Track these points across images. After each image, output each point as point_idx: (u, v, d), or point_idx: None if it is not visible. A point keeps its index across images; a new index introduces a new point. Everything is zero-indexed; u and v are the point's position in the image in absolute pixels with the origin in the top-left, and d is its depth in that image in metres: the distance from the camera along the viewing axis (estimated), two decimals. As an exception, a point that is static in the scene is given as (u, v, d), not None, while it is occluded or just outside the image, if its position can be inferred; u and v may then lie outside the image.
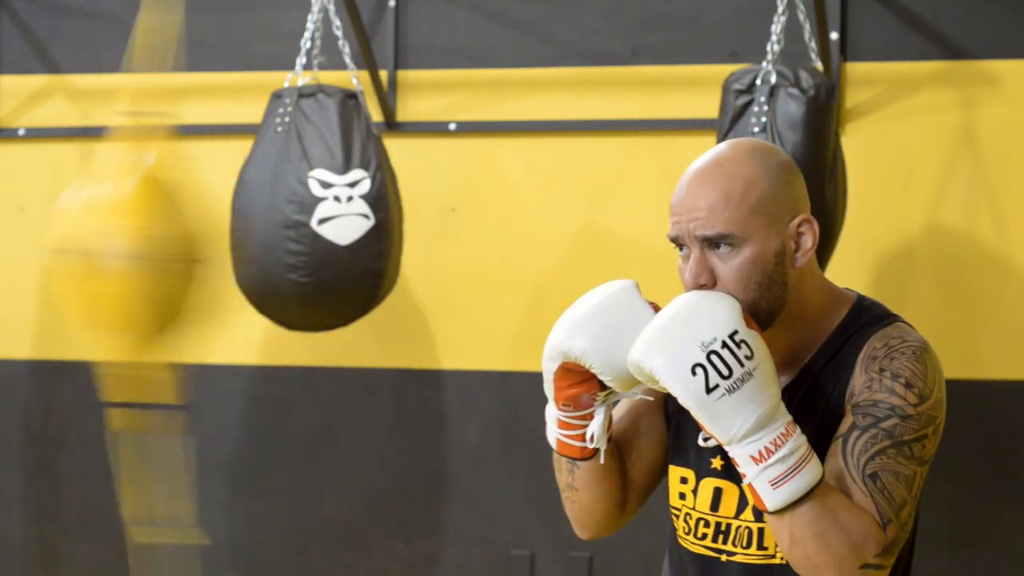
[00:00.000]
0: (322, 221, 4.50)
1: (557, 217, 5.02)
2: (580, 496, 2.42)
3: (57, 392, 5.41)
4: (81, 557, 5.38)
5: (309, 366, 5.19)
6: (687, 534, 2.35)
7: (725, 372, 2.09)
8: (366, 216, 4.58)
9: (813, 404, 2.25)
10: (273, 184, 4.62)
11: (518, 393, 5.05)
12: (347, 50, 4.81)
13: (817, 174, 4.36)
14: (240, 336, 5.21)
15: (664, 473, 2.42)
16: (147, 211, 2.11)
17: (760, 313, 2.22)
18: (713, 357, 2.09)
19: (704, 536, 2.33)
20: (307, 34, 4.82)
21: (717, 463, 2.32)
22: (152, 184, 2.14)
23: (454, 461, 5.12)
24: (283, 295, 4.52)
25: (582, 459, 2.34)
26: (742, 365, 2.10)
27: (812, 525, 2.11)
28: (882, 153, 4.82)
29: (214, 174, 5.17)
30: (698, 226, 2.22)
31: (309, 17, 4.82)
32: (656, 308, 2.27)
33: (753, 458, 2.10)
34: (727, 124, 4.43)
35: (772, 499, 2.11)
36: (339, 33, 4.82)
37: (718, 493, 2.32)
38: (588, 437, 2.29)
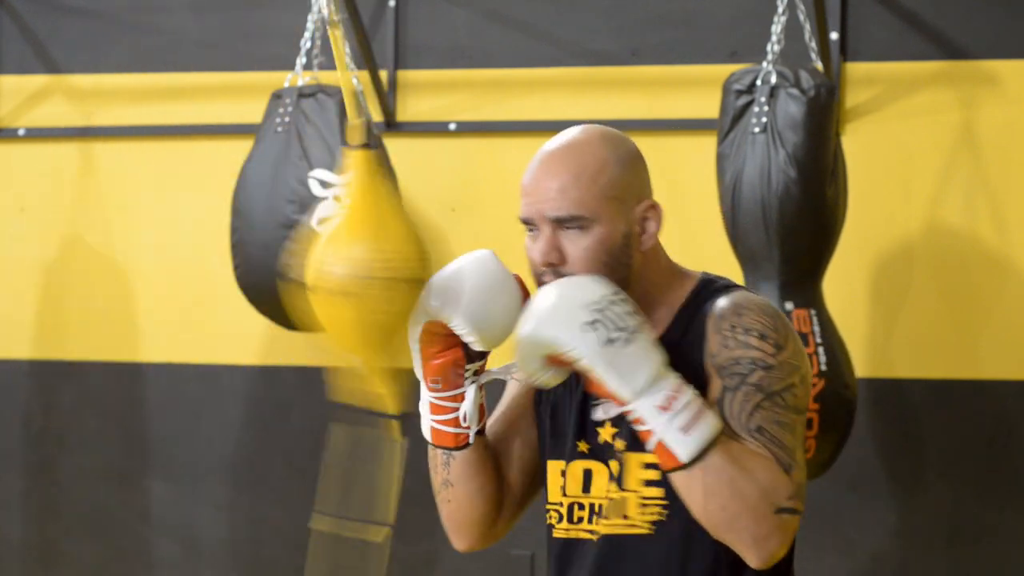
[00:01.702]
0: (322, 221, 4.50)
1: (557, 217, 5.02)
2: (456, 492, 2.45)
3: (57, 392, 5.41)
4: (81, 557, 5.38)
5: (309, 366, 5.19)
6: (560, 522, 2.36)
7: (621, 324, 2.15)
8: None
9: (685, 372, 2.27)
10: (273, 184, 4.62)
11: (518, 393, 5.05)
12: (347, 50, 4.81)
13: (817, 174, 4.36)
14: (240, 336, 5.21)
15: (540, 480, 2.43)
16: (394, 234, 2.17)
17: None
18: (605, 312, 2.15)
19: (580, 520, 2.34)
20: (307, 34, 4.82)
21: (583, 446, 2.34)
22: (396, 206, 2.20)
23: (454, 461, 5.11)
24: (283, 295, 4.51)
25: (456, 448, 2.39)
26: (631, 319, 2.16)
27: (723, 472, 2.14)
28: (882, 153, 4.82)
29: (214, 174, 5.18)
30: (550, 207, 2.29)
31: (309, 17, 4.82)
32: (517, 277, 2.36)
33: (661, 408, 2.13)
34: (727, 124, 4.44)
35: (685, 447, 2.13)
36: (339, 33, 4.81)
37: (588, 475, 2.33)
38: (461, 417, 2.34)
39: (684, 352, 2.27)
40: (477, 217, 5.09)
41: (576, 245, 2.28)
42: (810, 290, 4.40)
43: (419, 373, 2.36)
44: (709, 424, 2.15)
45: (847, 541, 4.79)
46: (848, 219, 4.50)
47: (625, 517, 2.29)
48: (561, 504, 2.36)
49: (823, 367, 4.32)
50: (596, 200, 2.28)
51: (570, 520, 2.34)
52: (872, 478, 4.78)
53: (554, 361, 2.19)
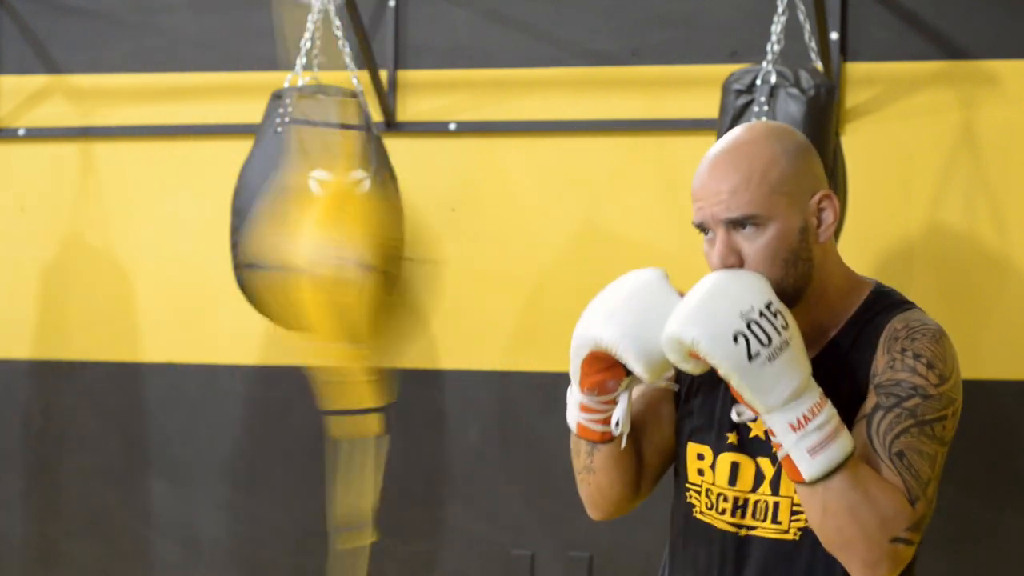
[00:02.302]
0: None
1: (557, 217, 5.02)
2: (596, 479, 2.43)
3: (57, 392, 5.41)
4: (81, 557, 5.38)
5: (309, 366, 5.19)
6: (709, 509, 2.37)
7: (765, 340, 2.13)
8: (366, 216, 4.58)
9: (837, 382, 2.28)
10: (273, 184, 4.62)
11: (518, 393, 5.05)
12: (347, 50, 4.81)
13: (817, 174, 4.36)
14: (240, 336, 5.21)
15: (672, 457, 2.45)
16: (366, 221, 2.14)
17: (787, 290, 2.27)
18: (753, 326, 2.13)
19: (724, 511, 2.35)
20: (307, 34, 4.82)
21: (733, 438, 2.35)
22: (362, 194, 2.17)
23: (454, 461, 5.12)
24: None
25: (602, 442, 2.37)
26: (780, 334, 2.14)
27: (844, 497, 2.14)
28: (882, 153, 4.82)
29: (214, 174, 5.18)
30: (722, 209, 2.26)
31: (309, 17, 4.82)
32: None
33: (791, 426, 2.13)
34: (727, 124, 4.44)
35: (809, 468, 2.14)
36: (339, 33, 4.82)
37: (735, 468, 2.34)
38: (614, 423, 2.33)
39: (851, 363, 2.28)
40: (477, 217, 5.09)
41: (753, 245, 2.26)
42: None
43: (574, 377, 2.35)
44: (840, 448, 2.14)
45: (847, 541, 4.79)
46: (848, 219, 4.50)
47: (777, 522, 2.31)
48: (706, 490, 2.37)
49: (823, 367, 4.32)
50: (768, 197, 2.26)
51: (717, 510, 2.36)
52: (872, 478, 4.78)
53: (696, 356, 2.18)
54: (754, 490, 2.33)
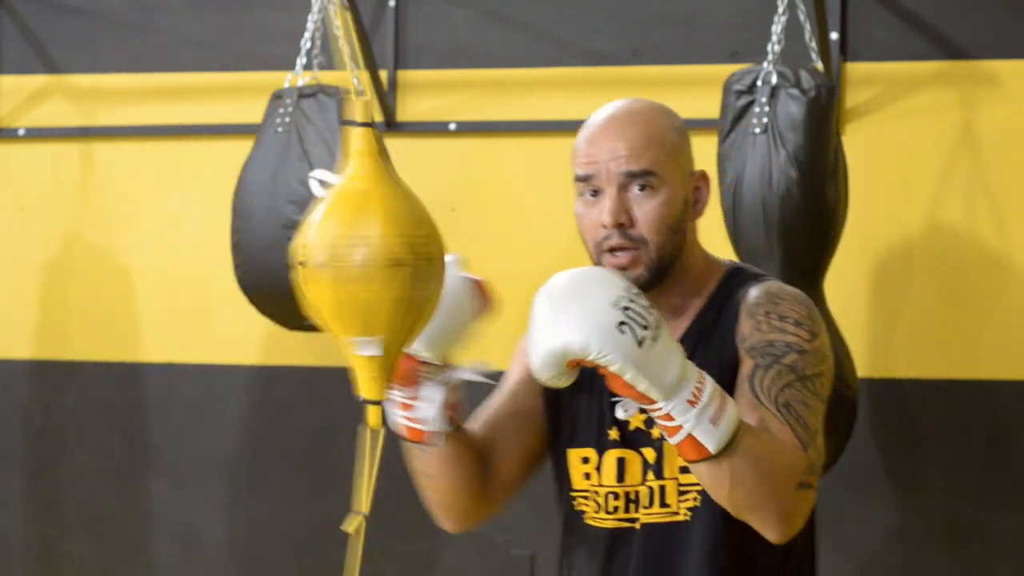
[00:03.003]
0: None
1: (557, 217, 5.02)
2: (435, 484, 2.41)
3: (57, 392, 5.41)
4: (81, 557, 5.38)
5: (309, 366, 5.19)
6: (597, 512, 2.35)
7: (644, 323, 2.07)
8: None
9: (704, 357, 2.27)
10: (273, 184, 4.62)
11: (518, 393, 5.04)
12: (347, 50, 4.81)
13: (818, 175, 4.36)
14: (240, 336, 5.21)
15: (537, 465, 2.43)
16: (350, 215, 2.12)
17: (665, 258, 2.28)
18: (629, 312, 2.07)
19: (616, 509, 2.33)
20: (307, 34, 4.82)
21: (615, 434, 2.33)
22: (359, 189, 2.15)
23: (454, 461, 5.11)
24: (283, 295, 4.51)
25: (426, 443, 2.33)
26: (650, 313, 2.09)
27: (748, 458, 2.10)
28: (882, 153, 4.82)
29: (214, 174, 5.18)
30: (621, 163, 2.27)
31: (309, 17, 4.82)
32: (478, 283, 2.31)
33: (690, 402, 2.08)
34: (728, 125, 4.44)
35: (715, 438, 2.08)
36: (339, 33, 4.82)
37: (621, 463, 2.33)
38: (424, 418, 2.28)
39: (716, 338, 2.28)
40: (477, 217, 5.09)
41: (643, 207, 2.27)
42: (810, 290, 4.39)
43: None
44: (733, 410, 2.11)
45: (847, 541, 4.79)
46: (848, 219, 4.50)
47: (665, 505, 2.29)
48: (594, 493, 2.35)
49: (823, 367, 4.32)
50: (664, 160, 2.28)
51: (606, 510, 2.34)
52: (872, 478, 4.78)
53: (576, 364, 2.12)
54: (643, 482, 2.31)
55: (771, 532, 2.17)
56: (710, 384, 2.11)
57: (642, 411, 2.17)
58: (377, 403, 2.22)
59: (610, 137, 2.29)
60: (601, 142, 2.29)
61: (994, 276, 4.75)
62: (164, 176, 5.33)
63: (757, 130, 4.37)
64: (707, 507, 2.26)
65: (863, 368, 4.72)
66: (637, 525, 2.31)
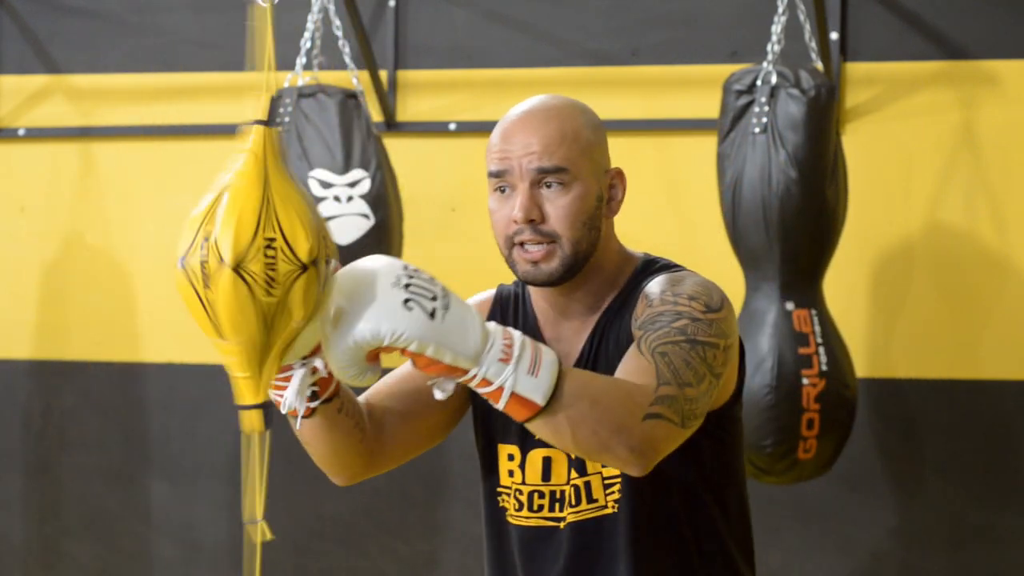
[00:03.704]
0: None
1: (557, 217, 5.02)
2: (312, 449, 2.40)
3: (57, 392, 5.41)
4: (81, 557, 5.38)
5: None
6: (519, 510, 2.33)
7: (430, 294, 2.02)
8: (366, 216, 4.58)
9: (608, 349, 2.26)
10: (273, 184, 4.62)
11: (518, 393, 5.05)
12: (347, 50, 4.81)
13: (818, 174, 4.36)
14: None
15: (432, 442, 2.39)
16: (253, 218, 2.08)
17: (580, 254, 2.26)
18: (411, 288, 2.02)
19: (540, 507, 2.31)
20: (307, 34, 4.82)
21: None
22: (258, 188, 2.11)
23: (454, 461, 5.12)
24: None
25: (296, 418, 2.31)
26: (433, 283, 2.04)
27: (581, 399, 2.04)
28: (882, 153, 4.82)
29: (214, 174, 5.17)
30: (533, 159, 2.26)
31: (309, 17, 4.82)
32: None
33: (502, 360, 2.01)
34: (728, 124, 4.44)
35: (539, 388, 2.02)
36: (339, 33, 4.82)
37: (547, 462, 2.30)
38: (285, 398, 2.24)
39: (615, 325, 2.27)
40: (477, 217, 5.09)
41: (555, 203, 2.26)
42: (810, 290, 4.40)
43: None
44: (549, 355, 2.04)
45: (847, 541, 4.79)
46: (848, 219, 4.50)
47: (593, 500, 2.27)
48: (516, 491, 2.33)
49: (824, 367, 4.33)
50: (578, 157, 2.27)
51: (530, 508, 2.32)
52: (872, 478, 4.78)
53: (376, 355, 2.04)
54: (568, 482, 2.29)
55: (629, 467, 2.10)
56: (518, 336, 2.04)
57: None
58: (260, 407, 2.20)
59: (524, 133, 2.29)
60: (515, 138, 2.29)
61: (994, 276, 4.75)
62: (164, 176, 5.33)
63: (757, 130, 4.37)
64: (631, 494, 2.24)
65: (863, 368, 4.72)
66: (562, 525, 2.29)
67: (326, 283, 2.08)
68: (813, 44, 4.65)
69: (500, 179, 2.30)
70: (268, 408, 2.18)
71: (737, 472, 2.34)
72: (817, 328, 4.36)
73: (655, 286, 2.24)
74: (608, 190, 2.31)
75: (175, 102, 5.31)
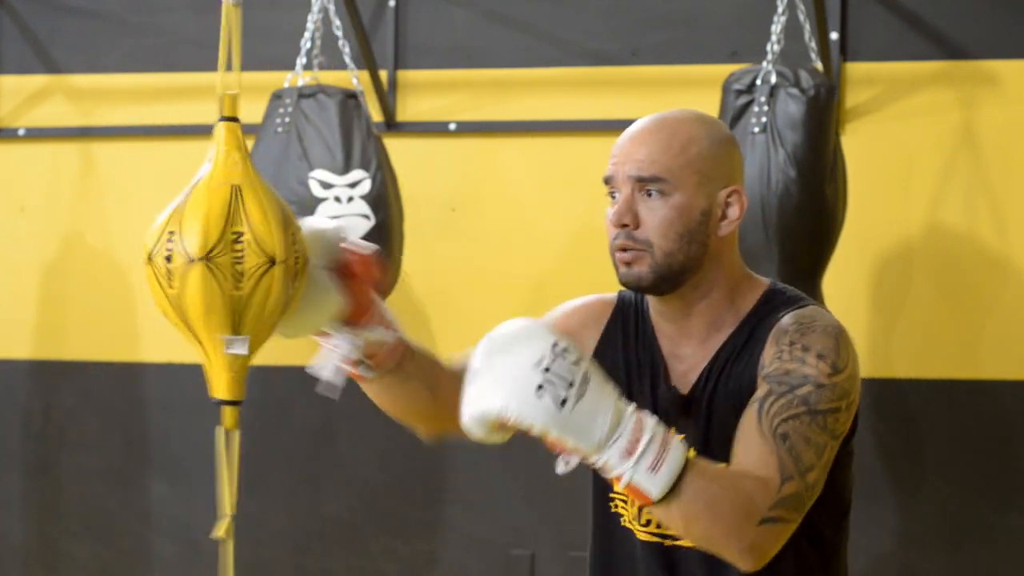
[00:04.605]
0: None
1: (557, 217, 5.02)
2: (380, 403, 2.44)
3: (57, 392, 5.41)
4: (81, 557, 5.38)
5: (309, 366, 5.19)
6: (633, 520, 2.34)
7: (566, 382, 2.04)
8: (366, 216, 4.58)
9: (729, 383, 2.26)
10: (273, 184, 4.60)
11: (518, 393, 5.04)
12: (347, 50, 4.81)
13: (817, 174, 4.36)
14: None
15: None
16: (221, 212, 2.08)
17: (675, 266, 2.26)
18: (551, 372, 2.04)
19: (648, 523, 2.32)
20: (307, 34, 4.82)
21: None
22: (227, 184, 2.11)
23: (454, 461, 5.12)
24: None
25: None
26: (577, 368, 2.06)
27: (700, 497, 2.07)
28: (882, 153, 4.82)
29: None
30: (633, 167, 2.27)
31: (309, 17, 4.82)
32: (365, 256, 2.30)
33: (626, 453, 2.05)
34: (728, 124, 4.44)
35: (656, 484, 2.05)
36: (339, 33, 4.82)
37: None
38: (323, 367, 2.30)
39: (742, 360, 2.26)
40: (477, 217, 5.08)
41: (652, 211, 2.26)
42: (810, 290, 4.39)
43: None
44: (677, 451, 2.07)
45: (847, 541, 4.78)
46: (848, 219, 4.50)
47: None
48: (627, 497, 2.33)
49: (823, 367, 4.32)
50: (680, 168, 2.26)
51: (640, 522, 2.33)
52: (872, 478, 4.78)
53: (504, 426, 2.10)
54: None
55: (736, 563, 2.15)
56: (650, 429, 2.07)
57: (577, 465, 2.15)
58: (236, 403, 2.21)
59: (633, 142, 2.30)
60: (626, 147, 2.30)
61: (994, 276, 4.75)
62: (164, 176, 5.32)
63: (756, 130, 4.37)
64: None
65: (863, 368, 4.70)
66: (668, 543, 2.31)
67: (298, 277, 2.09)
68: (813, 44, 4.65)
69: (609, 185, 2.31)
70: (239, 404, 2.19)
71: (841, 505, 2.39)
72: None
73: (785, 331, 2.24)
74: (724, 207, 2.28)
75: (175, 102, 5.31)
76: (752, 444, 2.16)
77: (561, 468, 2.13)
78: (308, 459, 5.20)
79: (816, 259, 4.40)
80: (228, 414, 2.21)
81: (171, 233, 2.08)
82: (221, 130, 2.16)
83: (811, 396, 2.18)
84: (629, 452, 2.05)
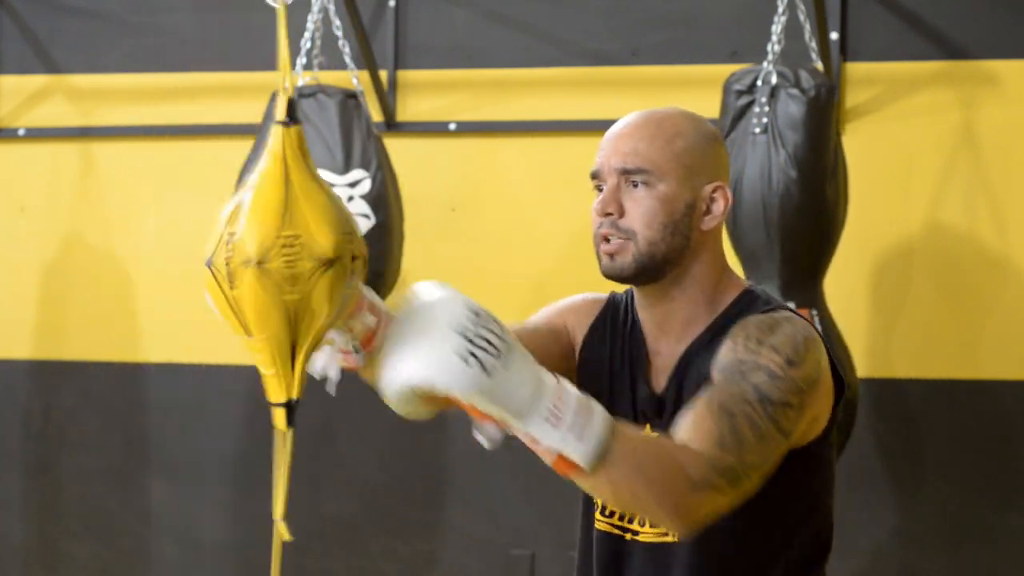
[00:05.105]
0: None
1: (557, 217, 5.03)
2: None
3: (57, 392, 5.41)
4: (81, 557, 5.38)
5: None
6: (600, 513, 2.34)
7: (493, 349, 1.98)
8: (366, 216, 4.58)
9: (692, 381, 2.24)
10: (273, 184, 4.62)
11: (518, 393, 5.05)
12: (347, 50, 4.81)
13: (818, 174, 4.37)
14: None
15: None
16: (276, 215, 2.08)
17: (657, 256, 2.26)
18: (474, 340, 1.97)
19: (612, 513, 2.31)
20: (307, 34, 4.82)
21: None
22: (281, 186, 2.10)
23: (454, 461, 5.12)
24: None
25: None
26: (499, 335, 2.00)
27: (628, 462, 2.03)
28: (882, 153, 4.82)
29: (214, 174, 5.18)
30: (619, 159, 2.29)
31: (309, 17, 4.82)
32: None
33: (549, 420, 2.00)
34: (728, 124, 4.44)
35: (584, 451, 2.00)
36: (339, 33, 4.82)
37: None
38: (318, 366, 2.22)
39: (705, 358, 2.24)
40: (477, 217, 5.09)
41: (636, 202, 2.27)
42: (811, 290, 4.40)
43: None
44: (601, 417, 2.03)
45: (847, 541, 4.79)
46: (848, 219, 4.50)
47: (655, 525, 2.26)
48: None
49: (823, 367, 4.33)
50: (665, 161, 2.27)
51: (603, 512, 2.32)
52: (872, 478, 4.78)
53: (431, 398, 2.02)
54: None
55: (672, 531, 2.12)
56: (571, 395, 2.02)
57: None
58: (288, 405, 2.20)
59: (620, 137, 2.33)
60: (612, 141, 2.34)
61: (994, 276, 4.75)
62: (164, 176, 5.33)
63: (757, 130, 4.37)
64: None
65: (863, 368, 4.72)
66: (628, 536, 2.30)
67: (352, 280, 2.07)
68: (813, 44, 4.65)
69: (595, 179, 2.33)
70: (294, 407, 2.18)
71: (816, 513, 2.31)
72: (817, 328, 4.33)
73: (744, 328, 2.22)
74: (709, 202, 2.29)
75: (175, 102, 5.31)
76: (694, 419, 2.12)
77: (485, 443, 2.05)
78: (308, 459, 5.20)
79: (817, 259, 4.41)
80: (279, 415, 2.21)
81: (229, 237, 2.08)
82: (278, 132, 2.16)
83: (763, 385, 2.14)
84: (555, 420, 2.00)
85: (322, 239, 2.06)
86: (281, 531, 2.36)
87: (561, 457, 2.02)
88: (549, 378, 2.03)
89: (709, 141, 2.32)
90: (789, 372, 2.16)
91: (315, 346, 2.15)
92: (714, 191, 2.29)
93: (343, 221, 2.10)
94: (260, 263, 2.05)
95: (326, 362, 2.21)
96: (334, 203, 2.13)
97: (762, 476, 2.14)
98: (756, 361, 2.16)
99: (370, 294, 2.13)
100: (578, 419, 2.01)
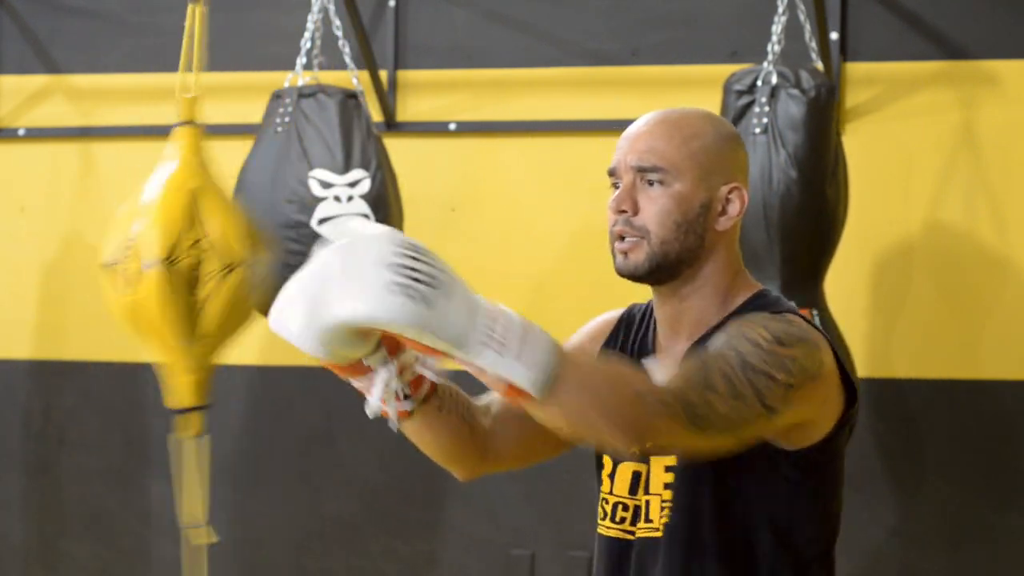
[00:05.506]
0: (322, 221, 4.50)
1: (557, 217, 5.02)
2: (420, 446, 2.38)
3: (57, 392, 5.41)
4: (81, 557, 5.38)
5: (309, 366, 5.19)
6: (603, 519, 2.34)
7: (428, 278, 1.92)
8: (366, 216, 4.58)
9: None
10: (273, 184, 4.62)
11: (518, 393, 5.05)
12: (347, 50, 4.81)
13: (818, 174, 4.37)
14: (240, 336, 5.21)
15: (548, 451, 2.37)
16: (180, 217, 2.07)
17: (670, 254, 2.26)
18: (407, 271, 1.91)
19: (623, 520, 2.32)
20: (307, 34, 4.82)
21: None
22: (185, 188, 2.10)
23: (454, 461, 5.12)
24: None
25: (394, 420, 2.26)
26: (432, 264, 1.94)
27: (578, 386, 2.00)
28: (882, 153, 4.82)
29: (214, 174, 5.18)
30: (634, 157, 2.28)
31: (309, 17, 4.82)
32: None
33: (495, 349, 1.95)
34: (727, 124, 4.43)
35: (533, 377, 1.96)
36: (339, 33, 4.82)
37: (636, 476, 2.30)
38: (367, 406, 2.18)
39: None
40: (477, 217, 5.09)
41: (651, 200, 2.26)
42: (811, 290, 4.40)
43: None
44: (543, 337, 1.99)
45: (847, 541, 4.78)
46: (848, 219, 4.50)
47: (648, 520, 2.28)
48: (603, 500, 2.34)
49: (823, 367, 4.33)
50: (681, 159, 2.26)
51: (613, 519, 2.33)
52: (872, 478, 4.78)
53: (361, 334, 1.97)
54: (644, 494, 2.30)
55: (618, 445, 2.07)
56: (517, 324, 1.98)
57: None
58: (201, 408, 2.18)
59: (638, 135, 2.31)
60: (630, 139, 2.32)
61: (994, 276, 4.75)
62: (164, 176, 5.33)
63: (757, 130, 4.37)
64: (677, 521, 2.24)
65: (863, 368, 4.72)
66: (630, 538, 2.31)
67: (258, 281, 2.05)
68: (813, 44, 4.65)
69: (612, 177, 2.32)
70: (203, 410, 2.15)
71: (815, 518, 2.35)
72: (818, 328, 4.35)
73: (743, 318, 2.22)
74: (725, 203, 2.28)
75: (175, 102, 5.30)
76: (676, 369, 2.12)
77: (430, 375, 2.02)
78: (308, 459, 5.20)
79: (817, 259, 4.41)
80: (194, 420, 2.18)
81: (129, 239, 2.06)
82: (180, 135, 2.15)
83: (746, 352, 2.12)
84: (498, 345, 1.96)
85: (227, 241, 2.05)
86: (195, 537, 2.32)
87: (511, 386, 1.98)
88: (491, 307, 1.98)
89: (727, 142, 2.32)
90: (775, 347, 2.15)
91: (219, 347, 2.12)
92: (730, 192, 2.29)
93: (245, 224, 2.09)
94: (162, 264, 2.04)
95: (377, 403, 2.17)
96: (238, 208, 2.13)
97: (737, 438, 2.12)
98: (743, 333, 2.16)
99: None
100: (524, 346, 1.97)
